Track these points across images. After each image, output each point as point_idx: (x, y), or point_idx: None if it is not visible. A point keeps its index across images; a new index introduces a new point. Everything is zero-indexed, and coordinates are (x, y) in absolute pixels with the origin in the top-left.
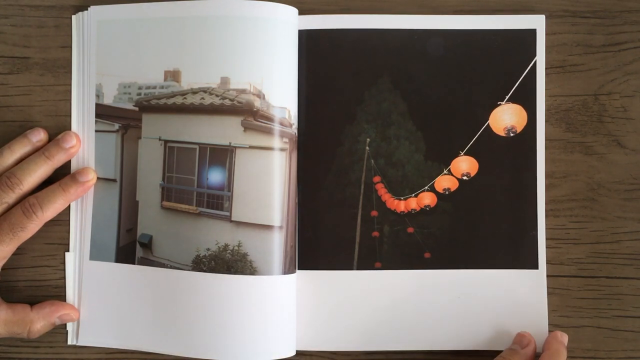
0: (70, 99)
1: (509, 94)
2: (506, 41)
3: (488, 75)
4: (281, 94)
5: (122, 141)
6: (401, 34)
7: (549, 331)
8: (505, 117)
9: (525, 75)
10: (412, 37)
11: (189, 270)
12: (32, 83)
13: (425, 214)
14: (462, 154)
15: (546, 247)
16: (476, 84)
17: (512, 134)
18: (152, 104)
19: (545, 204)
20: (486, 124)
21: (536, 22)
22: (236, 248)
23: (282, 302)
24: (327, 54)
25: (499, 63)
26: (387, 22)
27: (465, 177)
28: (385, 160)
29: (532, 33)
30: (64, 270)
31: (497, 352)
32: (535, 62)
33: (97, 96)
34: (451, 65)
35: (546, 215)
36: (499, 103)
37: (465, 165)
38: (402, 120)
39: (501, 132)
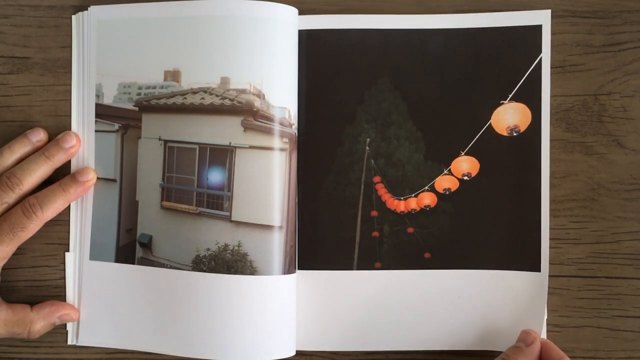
0: (70, 99)
1: (512, 93)
2: (509, 39)
3: (490, 74)
4: (281, 94)
5: (122, 141)
6: (401, 34)
7: (547, 331)
8: (508, 116)
9: (529, 73)
10: (413, 37)
11: (188, 270)
12: (32, 83)
13: (425, 214)
14: (463, 154)
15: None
16: (478, 84)
17: (515, 134)
18: (152, 104)
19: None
20: (488, 123)
21: (541, 18)
22: (236, 248)
23: (282, 302)
24: (327, 54)
25: (502, 61)
26: (387, 22)
27: (465, 177)
28: (385, 160)
29: (537, 29)
30: (64, 270)
31: (497, 353)
32: (541, 59)
33: (97, 96)
34: (452, 65)
35: None
36: (501, 102)
37: (465, 165)
38: (402, 120)
39: (504, 132)
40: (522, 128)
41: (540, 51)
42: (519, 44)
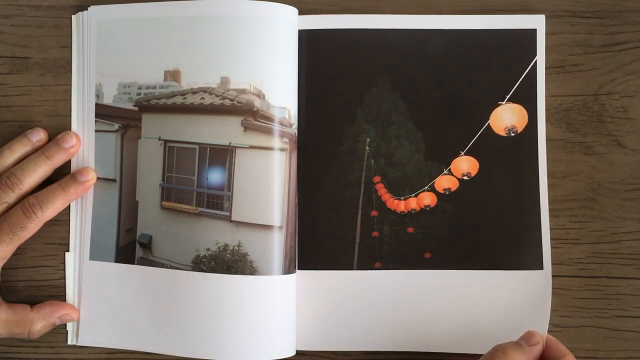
0: (70, 99)
1: (510, 94)
2: (506, 41)
3: (488, 75)
4: (281, 94)
5: (122, 141)
6: (401, 34)
7: (548, 331)
8: (506, 117)
9: (525, 75)
10: (412, 37)
11: (188, 270)
12: (32, 83)
13: (425, 214)
14: (463, 154)
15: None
16: (476, 84)
17: (512, 134)
18: (152, 104)
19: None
20: (486, 124)
21: (536, 22)
22: (236, 248)
23: (282, 302)
24: (327, 54)
25: (499, 63)
26: (387, 22)
27: (465, 177)
28: (385, 160)
29: (532, 33)
30: (64, 270)
31: None
32: (536, 62)
33: (97, 96)
34: (451, 65)
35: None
36: (499, 103)
37: (465, 165)
38: (402, 120)
39: (502, 132)
40: (520, 129)
41: (535, 54)
42: (516, 47)
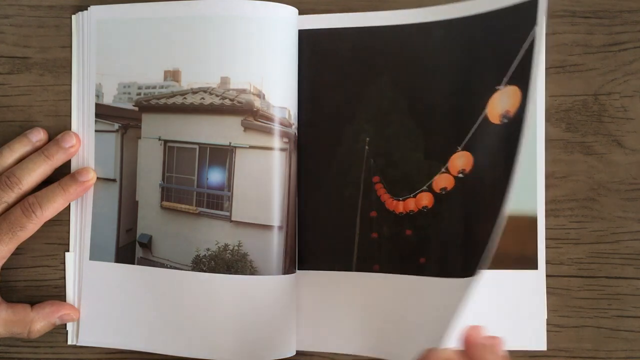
0: (70, 99)
1: (508, 77)
2: (508, 19)
3: (487, 62)
4: (281, 94)
5: (121, 141)
6: (401, 30)
7: (547, 331)
8: (502, 102)
9: (525, 53)
10: (412, 32)
11: (188, 270)
12: (32, 83)
13: (423, 216)
14: (460, 149)
15: (546, 247)
16: (476, 74)
17: (505, 120)
18: (151, 104)
19: (545, 204)
20: (484, 114)
21: None
22: (236, 248)
23: (282, 302)
24: (327, 53)
25: (499, 45)
26: (386, 19)
27: (460, 175)
28: (385, 159)
29: (532, 4)
30: (64, 270)
31: None
32: (535, 32)
33: (97, 96)
34: (453, 58)
35: (546, 215)
36: (496, 88)
37: (461, 161)
38: (402, 119)
39: (497, 120)
40: (512, 111)
41: (535, 23)
42: (517, 23)
